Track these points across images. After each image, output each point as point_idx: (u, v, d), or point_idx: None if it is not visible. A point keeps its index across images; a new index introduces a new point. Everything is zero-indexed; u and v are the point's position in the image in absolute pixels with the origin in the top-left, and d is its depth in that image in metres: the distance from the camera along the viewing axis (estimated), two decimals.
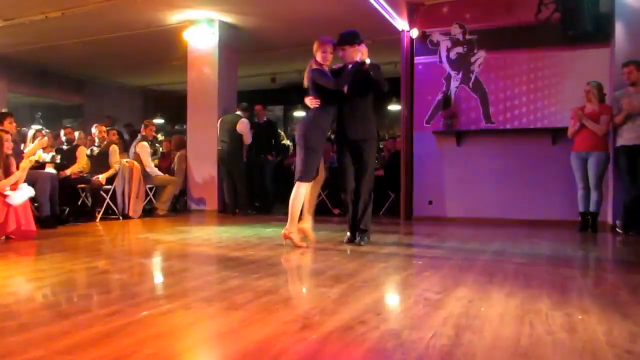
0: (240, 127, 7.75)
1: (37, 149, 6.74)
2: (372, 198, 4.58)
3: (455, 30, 7.04)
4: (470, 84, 6.97)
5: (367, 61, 4.20)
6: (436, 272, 3.30)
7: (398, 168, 7.33)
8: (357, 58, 4.20)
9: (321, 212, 8.02)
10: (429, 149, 7.17)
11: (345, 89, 4.34)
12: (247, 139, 7.84)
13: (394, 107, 11.01)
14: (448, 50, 7.11)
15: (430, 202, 7.12)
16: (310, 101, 4.37)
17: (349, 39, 4.33)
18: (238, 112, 7.97)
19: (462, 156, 7.02)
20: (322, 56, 4.32)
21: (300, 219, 4.40)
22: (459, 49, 7.04)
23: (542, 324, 2.11)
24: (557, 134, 6.44)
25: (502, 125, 6.82)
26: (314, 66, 4.33)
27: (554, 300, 2.54)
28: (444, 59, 7.13)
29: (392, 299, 2.82)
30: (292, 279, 3.20)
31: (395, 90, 7.69)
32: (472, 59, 6.97)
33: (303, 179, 4.30)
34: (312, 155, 4.30)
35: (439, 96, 7.11)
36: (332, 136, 5.81)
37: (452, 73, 7.08)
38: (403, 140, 7.29)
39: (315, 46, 4.38)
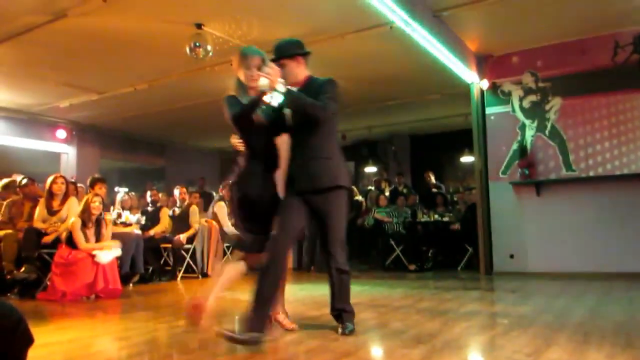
0: None
1: None
2: (349, 270, 3.23)
3: (527, 79, 6.93)
4: (547, 132, 6.77)
5: (280, 88, 2.92)
6: (524, 331, 3.11)
7: (475, 221, 7.11)
8: (265, 87, 2.92)
9: (397, 268, 7.89)
10: (506, 200, 6.93)
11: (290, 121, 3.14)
12: None
13: (466, 159, 10.82)
14: (521, 99, 6.98)
15: (512, 256, 6.81)
16: (235, 142, 3.28)
17: (285, 49, 3.17)
18: None
19: (543, 207, 6.72)
20: (245, 74, 3.10)
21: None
22: (532, 97, 6.90)
23: None
24: None
25: (585, 172, 6.50)
26: (230, 92, 3.13)
27: None
28: (517, 108, 6.99)
29: None
30: (372, 340, 3.12)
31: (468, 141, 7.61)
32: (547, 107, 6.79)
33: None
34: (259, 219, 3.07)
35: (514, 146, 6.94)
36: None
37: (527, 122, 6.92)
38: (479, 192, 7.10)
39: (235, 62, 3.18)
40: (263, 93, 2.93)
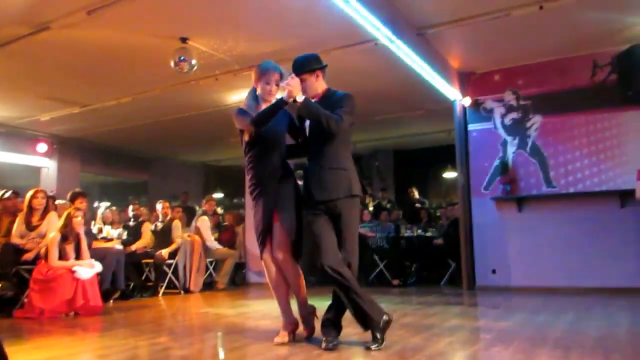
0: None
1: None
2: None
3: (509, 97, 7.04)
4: (528, 149, 6.87)
5: (299, 98, 3.09)
6: (506, 347, 3.13)
7: (457, 236, 7.16)
8: (285, 95, 3.12)
9: (380, 283, 7.89)
10: (488, 215, 6.99)
11: (307, 130, 3.34)
12: None
13: (449, 175, 10.93)
14: (502, 116, 7.08)
15: (494, 271, 6.85)
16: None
17: (305, 64, 3.30)
18: None
19: (524, 222, 6.79)
20: (263, 89, 3.30)
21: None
22: (514, 115, 7.01)
23: None
24: (625, 197, 6.15)
25: (565, 189, 6.60)
26: (241, 105, 3.35)
27: None
28: (499, 125, 7.09)
29: None
30: (355, 355, 3.11)
31: (451, 157, 7.69)
32: (528, 124, 6.91)
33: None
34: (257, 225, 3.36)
35: (496, 162, 7.03)
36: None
37: (508, 139, 7.02)
38: (461, 207, 7.16)
39: (254, 75, 3.35)
40: (283, 101, 3.11)
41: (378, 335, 3.11)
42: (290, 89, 3.09)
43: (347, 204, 3.20)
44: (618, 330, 3.75)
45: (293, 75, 3.18)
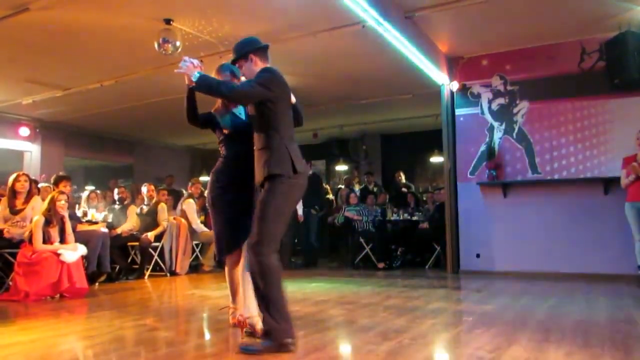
0: None
1: None
2: (269, 280, 2.85)
3: (496, 82, 7.05)
4: (514, 135, 6.90)
5: (193, 78, 2.91)
6: (488, 329, 3.17)
7: (443, 220, 7.21)
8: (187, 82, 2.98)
9: (366, 266, 7.94)
10: (474, 200, 7.04)
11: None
12: None
13: (436, 159, 10.96)
14: (490, 101, 7.10)
15: (478, 256, 6.92)
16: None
17: (238, 50, 3.17)
18: None
19: (509, 207, 6.85)
20: None
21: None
22: (501, 100, 7.02)
23: None
24: (609, 184, 6.21)
25: (550, 175, 6.66)
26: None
27: None
28: (486, 110, 7.11)
29: (442, 357, 2.72)
30: (339, 336, 3.14)
31: (438, 142, 7.71)
32: (515, 110, 6.93)
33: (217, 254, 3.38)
34: (214, 219, 3.27)
35: (483, 147, 7.05)
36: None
37: (495, 124, 7.04)
38: (447, 192, 7.20)
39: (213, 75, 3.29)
40: (187, 86, 3.04)
41: None
42: (183, 72, 2.94)
43: (267, 184, 2.89)
44: (598, 315, 3.82)
45: (186, 58, 2.99)
